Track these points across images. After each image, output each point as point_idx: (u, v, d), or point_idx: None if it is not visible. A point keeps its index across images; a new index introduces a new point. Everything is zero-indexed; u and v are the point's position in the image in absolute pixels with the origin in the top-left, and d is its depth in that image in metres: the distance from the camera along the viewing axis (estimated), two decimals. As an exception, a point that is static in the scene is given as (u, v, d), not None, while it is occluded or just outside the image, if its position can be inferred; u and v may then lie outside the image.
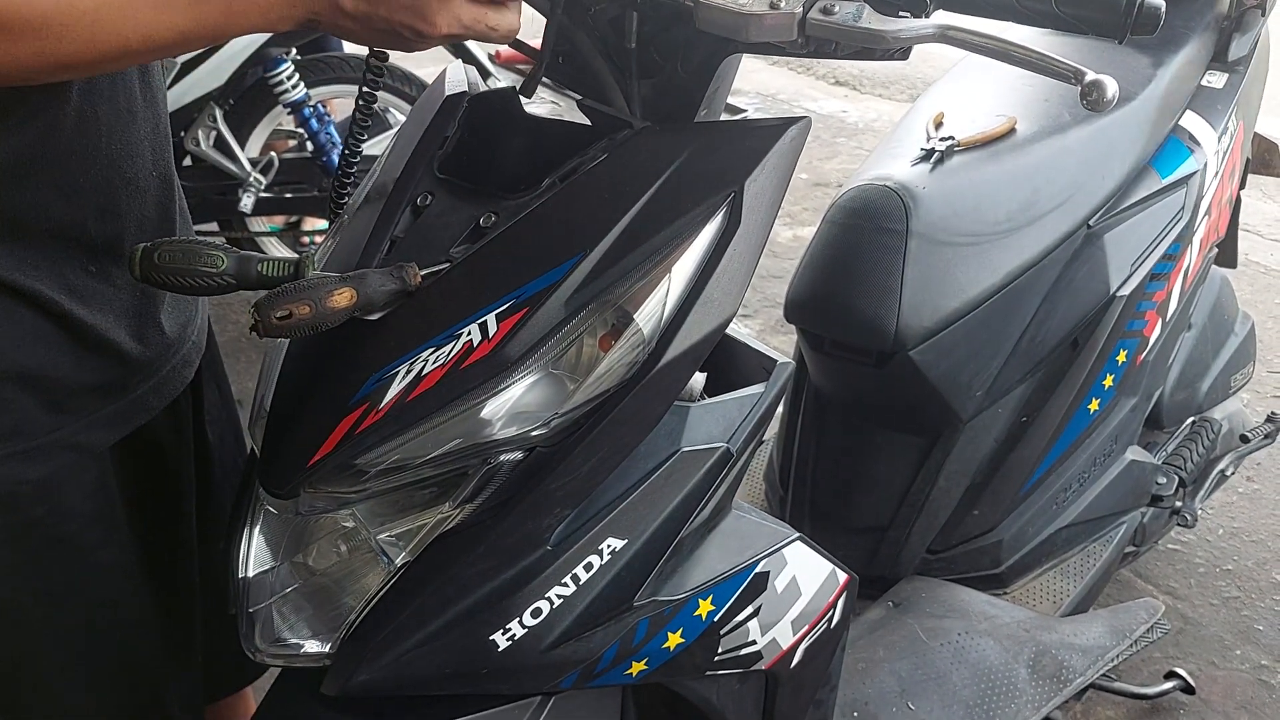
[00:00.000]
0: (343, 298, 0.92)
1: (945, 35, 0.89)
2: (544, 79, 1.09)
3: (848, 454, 1.67)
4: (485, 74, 2.96)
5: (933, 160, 1.53)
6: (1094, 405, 1.63)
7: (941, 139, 1.57)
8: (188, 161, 3.03)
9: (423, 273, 0.95)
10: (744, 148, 0.95)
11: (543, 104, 1.09)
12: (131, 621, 1.13)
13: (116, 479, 1.06)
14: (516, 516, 0.92)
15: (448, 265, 0.96)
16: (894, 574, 1.63)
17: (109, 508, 1.06)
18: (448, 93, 1.13)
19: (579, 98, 1.07)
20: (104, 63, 0.81)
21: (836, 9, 0.90)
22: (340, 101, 3.27)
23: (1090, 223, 1.60)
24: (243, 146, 3.04)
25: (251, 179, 2.98)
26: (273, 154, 3.04)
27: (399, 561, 0.94)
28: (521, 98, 1.10)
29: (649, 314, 0.92)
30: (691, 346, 0.93)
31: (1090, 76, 0.84)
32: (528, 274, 0.92)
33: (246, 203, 2.97)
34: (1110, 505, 1.73)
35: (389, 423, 0.91)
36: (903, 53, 0.97)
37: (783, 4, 0.90)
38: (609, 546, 0.96)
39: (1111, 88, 0.83)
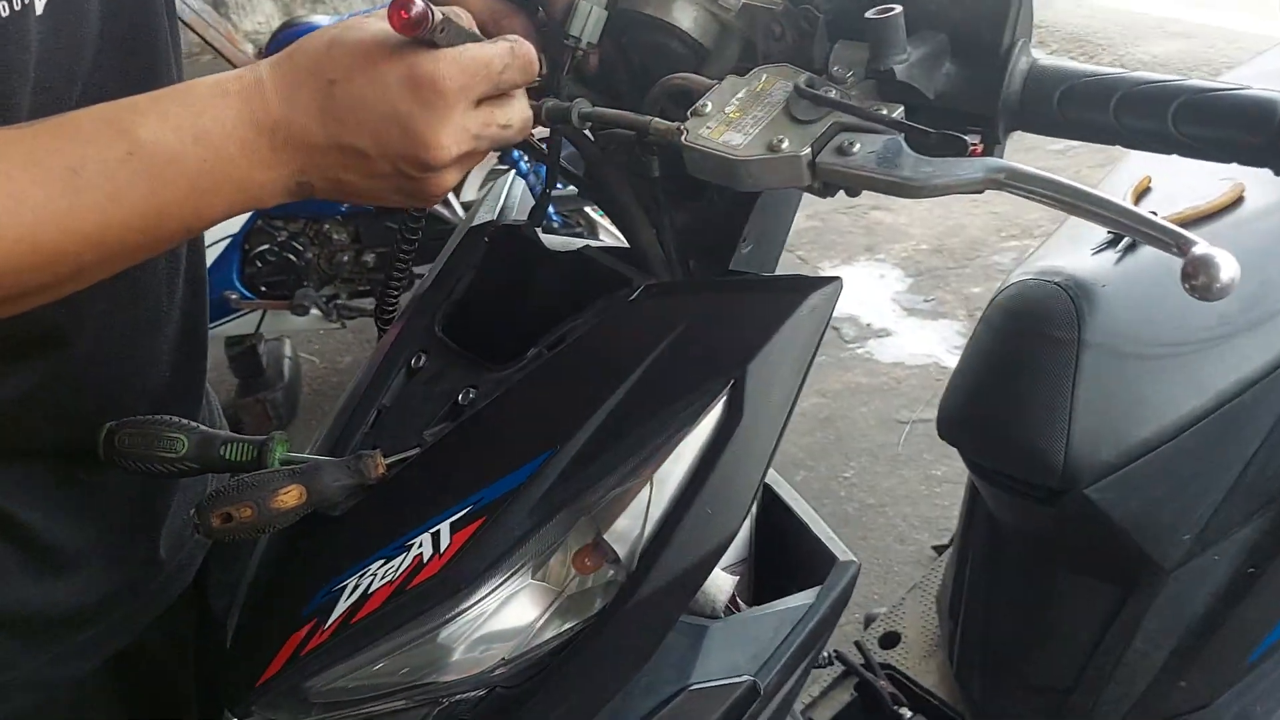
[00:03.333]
0: (290, 497, 0.80)
1: (996, 182, 0.65)
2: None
3: (1025, 594, 1.39)
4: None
5: (1121, 247, 1.23)
6: (1351, 552, 1.27)
7: (1139, 217, 1.26)
8: (410, 208, 3.08)
9: (389, 461, 0.82)
10: (751, 320, 0.75)
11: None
12: None
13: (94, 699, 0.94)
14: (473, 770, 0.77)
15: (416, 451, 0.83)
16: (1076, 749, 1.35)
17: None
18: (474, 222, 0.99)
19: (586, 244, 0.90)
20: (54, 287, 0.66)
21: (857, 147, 0.68)
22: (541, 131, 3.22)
23: (1347, 319, 1.24)
24: (458, 192, 3.05)
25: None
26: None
27: (346, 811, 0.81)
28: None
29: (624, 532, 0.75)
30: (680, 574, 0.74)
31: (1199, 250, 0.58)
32: (490, 474, 0.77)
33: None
34: (1378, 677, 1.35)
35: (335, 646, 0.78)
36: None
37: (784, 145, 0.69)
38: (587, 811, 0.78)
39: (1227, 270, 0.57)
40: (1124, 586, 1.29)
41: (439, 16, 0.65)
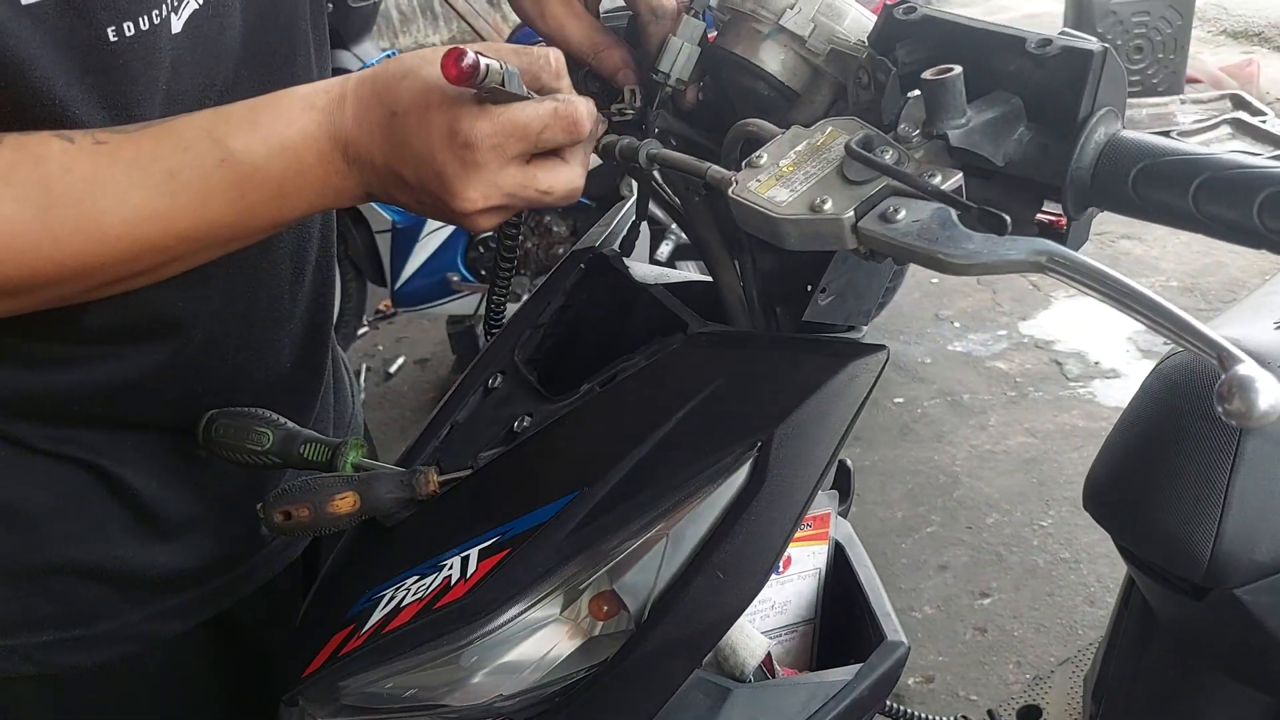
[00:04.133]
0: (345, 503, 0.84)
1: (1038, 265, 0.59)
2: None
3: (1171, 690, 1.26)
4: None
5: (1310, 325, 1.09)
6: None
7: (1341, 291, 1.12)
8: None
9: (443, 479, 0.84)
10: (787, 383, 0.72)
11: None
12: None
13: (190, 657, 0.98)
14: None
15: (469, 472, 0.84)
16: None
17: (178, 689, 0.99)
18: (578, 245, 1.00)
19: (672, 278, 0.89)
20: (147, 275, 0.73)
21: (901, 215, 0.64)
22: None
23: None
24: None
25: (671, 228, 3.00)
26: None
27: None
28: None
29: (635, 585, 0.73)
30: (687, 636, 0.72)
31: (1242, 370, 0.51)
32: (521, 506, 0.78)
33: (664, 250, 3.00)
34: None
35: (367, 653, 0.81)
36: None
37: (826, 205, 0.65)
38: None
39: (1268, 398, 0.49)
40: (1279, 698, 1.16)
41: (491, 70, 0.66)
